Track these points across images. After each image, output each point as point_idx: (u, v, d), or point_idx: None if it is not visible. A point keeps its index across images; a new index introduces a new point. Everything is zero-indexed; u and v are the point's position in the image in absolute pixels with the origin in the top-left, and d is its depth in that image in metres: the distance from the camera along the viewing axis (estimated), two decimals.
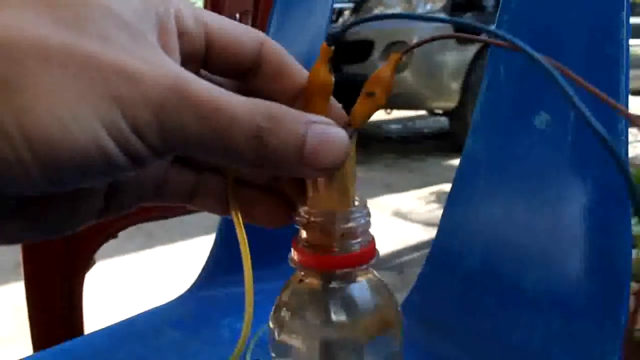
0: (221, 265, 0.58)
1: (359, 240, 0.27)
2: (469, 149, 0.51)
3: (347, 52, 3.25)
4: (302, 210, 0.27)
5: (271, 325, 0.28)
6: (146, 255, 1.97)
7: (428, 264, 0.53)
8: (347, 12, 3.57)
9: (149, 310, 0.52)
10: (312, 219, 0.26)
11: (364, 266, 0.27)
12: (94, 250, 0.88)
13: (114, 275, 1.77)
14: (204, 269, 0.59)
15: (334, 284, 0.27)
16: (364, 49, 3.28)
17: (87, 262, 0.88)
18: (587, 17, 0.44)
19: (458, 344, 0.48)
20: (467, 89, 3.33)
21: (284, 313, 0.28)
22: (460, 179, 0.52)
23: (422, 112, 4.48)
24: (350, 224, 0.26)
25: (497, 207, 0.48)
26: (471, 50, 3.33)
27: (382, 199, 2.55)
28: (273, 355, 0.29)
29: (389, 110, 4.02)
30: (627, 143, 0.39)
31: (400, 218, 2.26)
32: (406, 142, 4.17)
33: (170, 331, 0.51)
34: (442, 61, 3.30)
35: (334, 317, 0.27)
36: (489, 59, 0.49)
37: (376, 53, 3.29)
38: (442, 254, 0.52)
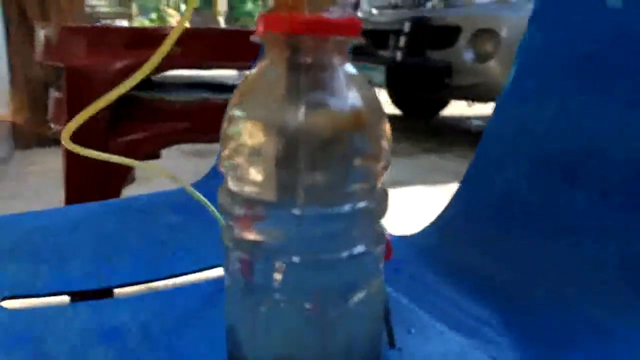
0: None
1: (337, 8, 0.21)
2: None
3: (432, 38, 3.12)
4: None
5: (225, 123, 0.23)
6: None
7: (466, 178, 0.47)
8: None
9: (150, 194, 0.49)
10: None
11: (341, 38, 0.21)
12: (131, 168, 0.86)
13: None
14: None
15: (303, 59, 0.21)
16: (450, 35, 3.15)
17: (125, 178, 0.86)
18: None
19: (491, 259, 0.41)
20: None
21: (241, 101, 0.22)
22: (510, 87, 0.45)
23: None
24: None
25: (550, 107, 0.41)
26: None
27: (451, 186, 2.46)
28: (225, 165, 0.23)
29: (470, 103, 3.87)
30: None
31: None
32: None
33: (170, 214, 0.47)
34: None
35: (297, 100, 0.21)
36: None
37: (462, 40, 3.15)
38: (483, 164, 0.45)
